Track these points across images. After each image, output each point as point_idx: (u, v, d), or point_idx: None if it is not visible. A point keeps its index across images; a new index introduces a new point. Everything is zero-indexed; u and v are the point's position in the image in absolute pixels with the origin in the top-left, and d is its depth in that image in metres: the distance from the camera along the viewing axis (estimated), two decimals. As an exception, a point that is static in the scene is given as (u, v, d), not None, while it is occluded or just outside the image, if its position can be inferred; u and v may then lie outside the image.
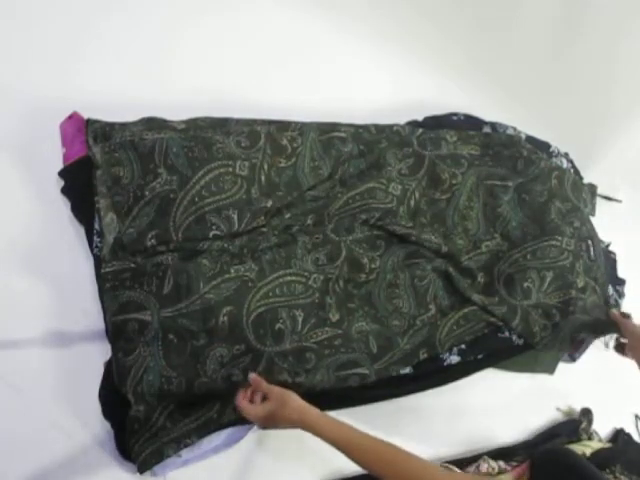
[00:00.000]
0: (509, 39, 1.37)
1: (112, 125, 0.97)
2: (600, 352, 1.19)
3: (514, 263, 1.10)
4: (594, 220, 1.23)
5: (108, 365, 0.90)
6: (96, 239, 0.94)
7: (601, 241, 1.21)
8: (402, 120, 1.21)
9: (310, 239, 1.01)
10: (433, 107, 1.27)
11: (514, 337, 1.06)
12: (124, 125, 0.97)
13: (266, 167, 0.98)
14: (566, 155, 1.29)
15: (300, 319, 0.93)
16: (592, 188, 1.29)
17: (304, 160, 1.03)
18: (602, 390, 1.16)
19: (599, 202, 1.31)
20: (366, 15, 1.36)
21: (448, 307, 1.04)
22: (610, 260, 1.23)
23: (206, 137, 0.95)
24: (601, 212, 1.29)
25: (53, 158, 1.00)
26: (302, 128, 1.05)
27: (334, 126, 1.09)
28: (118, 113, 1.01)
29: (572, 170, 1.28)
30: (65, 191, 0.99)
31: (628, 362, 0.99)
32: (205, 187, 0.92)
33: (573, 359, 1.18)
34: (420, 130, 1.17)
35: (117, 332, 0.87)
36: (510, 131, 1.25)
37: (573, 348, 1.18)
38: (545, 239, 1.11)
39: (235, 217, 0.94)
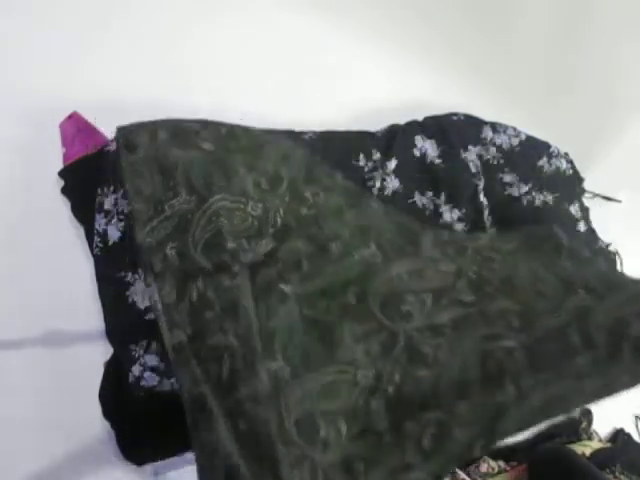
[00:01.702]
0: (509, 39, 1.37)
1: (139, 131, 0.94)
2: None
3: None
4: (594, 220, 1.23)
5: (108, 365, 0.90)
6: (96, 239, 0.94)
7: (601, 240, 1.22)
8: (402, 120, 1.21)
9: None
10: (433, 107, 1.27)
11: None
12: (153, 133, 0.94)
13: (282, 211, 0.95)
14: (566, 155, 1.29)
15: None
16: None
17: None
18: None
19: (599, 202, 1.31)
20: (365, 15, 1.36)
21: None
22: (610, 260, 1.23)
23: (228, 167, 0.93)
24: (601, 212, 1.29)
25: (53, 158, 1.00)
26: (327, 184, 1.01)
27: (365, 194, 1.06)
28: (118, 113, 1.01)
29: (572, 170, 1.28)
30: (65, 191, 0.99)
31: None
32: (221, 209, 0.89)
33: (573, 359, 1.18)
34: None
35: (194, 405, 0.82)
36: (510, 131, 1.25)
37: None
38: None
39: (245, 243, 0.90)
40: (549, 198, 1.19)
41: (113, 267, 0.95)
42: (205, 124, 0.97)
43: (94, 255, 0.94)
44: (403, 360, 0.86)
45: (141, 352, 0.89)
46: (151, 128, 0.94)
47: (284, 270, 0.89)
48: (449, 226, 1.13)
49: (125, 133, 0.93)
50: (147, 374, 0.88)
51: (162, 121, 0.96)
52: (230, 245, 0.86)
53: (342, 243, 0.93)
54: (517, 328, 0.88)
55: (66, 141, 1.01)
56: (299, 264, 0.90)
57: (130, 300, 0.93)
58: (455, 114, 1.25)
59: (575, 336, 0.87)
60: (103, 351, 0.90)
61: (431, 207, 1.14)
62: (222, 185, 0.90)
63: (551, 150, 1.27)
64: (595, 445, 1.08)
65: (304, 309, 0.87)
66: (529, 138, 1.26)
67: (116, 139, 0.93)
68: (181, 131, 0.95)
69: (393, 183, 1.14)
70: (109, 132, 1.03)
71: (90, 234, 0.95)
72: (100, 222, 0.96)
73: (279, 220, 0.92)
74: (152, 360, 0.89)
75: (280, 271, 0.88)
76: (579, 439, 1.10)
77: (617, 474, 1.00)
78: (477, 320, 0.90)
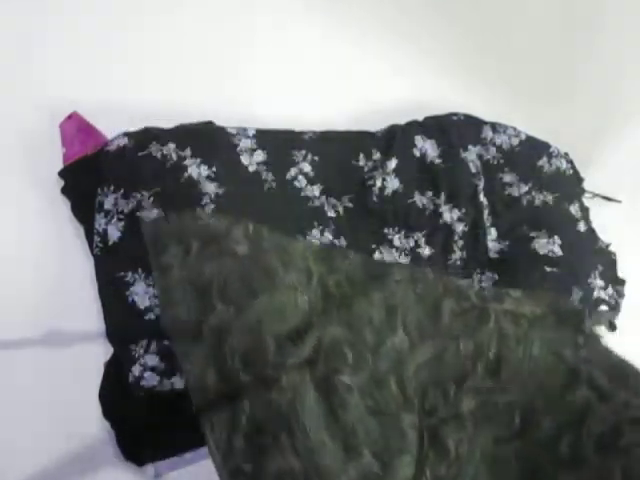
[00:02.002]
0: (509, 40, 1.37)
1: (169, 243, 0.90)
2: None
3: None
4: (594, 220, 1.23)
5: (108, 365, 0.90)
6: (96, 239, 0.94)
7: (601, 240, 1.22)
8: (402, 120, 1.21)
9: None
10: (433, 107, 1.27)
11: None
12: (185, 245, 0.90)
13: (320, 304, 0.94)
14: (566, 155, 1.29)
15: None
16: None
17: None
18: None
19: (599, 202, 1.31)
20: (365, 16, 1.36)
21: None
22: (610, 260, 1.23)
23: (268, 266, 0.91)
24: (601, 212, 1.29)
25: (53, 158, 1.00)
26: (349, 271, 0.99)
27: (386, 268, 1.03)
28: (118, 113, 1.01)
29: (572, 170, 1.28)
30: (65, 191, 0.99)
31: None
32: (264, 312, 0.88)
33: (573, 359, 1.18)
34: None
35: None
36: (510, 131, 1.25)
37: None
38: None
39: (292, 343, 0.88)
40: (549, 198, 1.19)
41: (113, 267, 0.95)
42: (233, 221, 0.95)
43: (94, 255, 0.94)
44: (431, 456, 0.85)
45: (141, 352, 0.89)
46: (181, 238, 0.90)
47: (333, 362, 0.87)
48: (449, 226, 1.13)
49: (155, 240, 0.89)
50: (147, 374, 0.88)
51: (191, 222, 0.92)
52: (272, 355, 0.83)
53: (374, 329, 0.92)
54: (517, 430, 0.89)
55: (66, 141, 1.01)
56: (344, 355, 0.88)
57: (130, 300, 0.93)
58: (455, 114, 1.25)
59: (565, 447, 0.87)
60: (103, 351, 0.90)
61: (431, 207, 1.14)
62: (266, 285, 0.88)
63: (551, 150, 1.27)
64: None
65: (366, 400, 0.85)
66: (529, 138, 1.26)
67: (144, 233, 0.91)
68: (212, 236, 0.91)
69: (393, 183, 1.14)
70: (109, 132, 1.03)
71: (90, 234, 0.96)
72: (100, 222, 0.96)
73: (319, 310, 0.91)
74: (152, 360, 0.89)
75: (330, 363, 0.86)
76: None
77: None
78: (490, 413, 0.90)
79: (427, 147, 1.18)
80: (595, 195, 1.31)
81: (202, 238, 0.91)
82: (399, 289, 0.97)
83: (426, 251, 1.10)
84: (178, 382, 0.88)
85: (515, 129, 1.26)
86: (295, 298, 0.89)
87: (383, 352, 0.90)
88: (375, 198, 1.12)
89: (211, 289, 0.87)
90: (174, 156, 1.02)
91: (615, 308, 1.15)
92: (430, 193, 1.15)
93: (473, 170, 1.18)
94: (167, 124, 1.04)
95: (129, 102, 1.07)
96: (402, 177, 1.14)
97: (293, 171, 1.11)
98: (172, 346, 0.85)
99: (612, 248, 1.23)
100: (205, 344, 0.85)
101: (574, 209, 1.21)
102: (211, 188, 1.02)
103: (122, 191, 0.98)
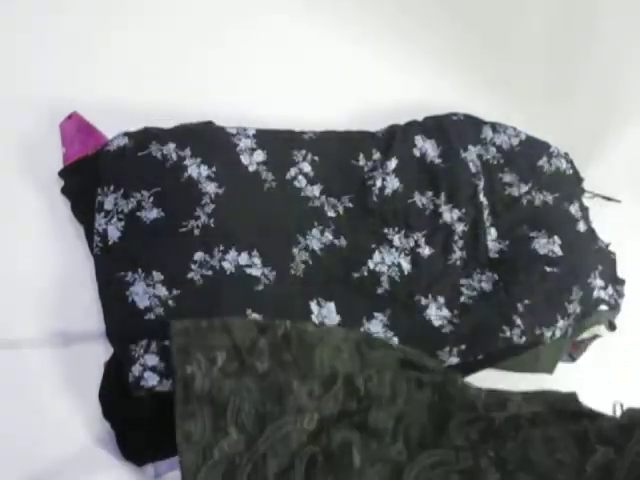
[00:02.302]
0: (509, 39, 1.37)
1: (194, 354, 0.87)
2: (600, 352, 1.19)
3: None
4: (594, 220, 1.23)
5: (108, 365, 0.90)
6: (96, 239, 0.94)
7: (601, 240, 1.22)
8: (402, 120, 1.21)
9: None
10: (433, 107, 1.27)
11: (515, 337, 1.06)
12: (211, 357, 0.87)
13: (336, 413, 0.91)
14: (566, 155, 1.29)
15: None
16: None
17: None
18: (602, 390, 1.16)
19: (599, 202, 1.31)
20: (365, 16, 1.36)
21: None
22: (610, 260, 1.23)
23: (282, 386, 0.89)
24: (601, 212, 1.29)
25: (53, 158, 1.00)
26: (380, 366, 0.96)
27: (420, 369, 0.99)
28: (118, 113, 1.01)
29: (572, 170, 1.28)
30: (65, 191, 0.99)
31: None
32: (268, 447, 0.86)
33: (573, 359, 1.18)
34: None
35: None
36: (510, 131, 1.25)
37: (573, 348, 1.18)
38: None
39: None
40: (549, 198, 1.20)
41: (113, 267, 0.95)
42: (263, 326, 0.91)
43: (94, 255, 0.94)
44: None
45: (141, 352, 0.89)
46: (208, 349, 0.87)
47: (339, 468, 0.86)
48: (449, 226, 1.13)
49: (183, 349, 0.86)
50: (147, 374, 0.88)
51: (220, 331, 0.88)
52: None
53: (380, 442, 0.90)
54: None
55: (66, 141, 1.02)
56: (351, 454, 0.87)
57: (130, 300, 0.93)
58: (455, 114, 1.25)
59: None
60: (103, 351, 0.90)
61: (431, 207, 1.15)
62: (275, 413, 0.86)
63: (551, 150, 1.27)
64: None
65: None
66: (529, 138, 1.26)
67: (172, 339, 0.87)
68: (238, 349, 0.88)
69: (393, 183, 1.14)
70: (109, 132, 1.03)
71: (90, 234, 0.96)
72: (100, 222, 0.96)
73: (332, 422, 0.89)
74: (152, 360, 0.89)
75: (337, 470, 0.86)
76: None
77: None
78: None
79: (427, 147, 1.18)
80: (595, 195, 1.32)
81: (228, 351, 0.88)
82: (419, 395, 0.95)
83: (426, 251, 1.10)
84: (178, 382, 0.88)
85: (515, 129, 1.26)
86: (302, 421, 0.87)
87: (387, 459, 0.89)
88: (375, 198, 1.12)
89: (227, 410, 0.85)
90: (174, 156, 1.02)
91: (615, 308, 1.15)
92: (430, 193, 1.15)
93: (473, 170, 1.18)
94: (167, 124, 1.04)
95: (129, 102, 1.07)
96: (402, 177, 1.14)
97: (293, 171, 1.11)
98: (180, 459, 0.83)
99: (612, 248, 1.23)
100: (215, 470, 0.83)
101: (574, 209, 1.21)
102: (211, 188, 1.02)
103: (122, 191, 0.98)
